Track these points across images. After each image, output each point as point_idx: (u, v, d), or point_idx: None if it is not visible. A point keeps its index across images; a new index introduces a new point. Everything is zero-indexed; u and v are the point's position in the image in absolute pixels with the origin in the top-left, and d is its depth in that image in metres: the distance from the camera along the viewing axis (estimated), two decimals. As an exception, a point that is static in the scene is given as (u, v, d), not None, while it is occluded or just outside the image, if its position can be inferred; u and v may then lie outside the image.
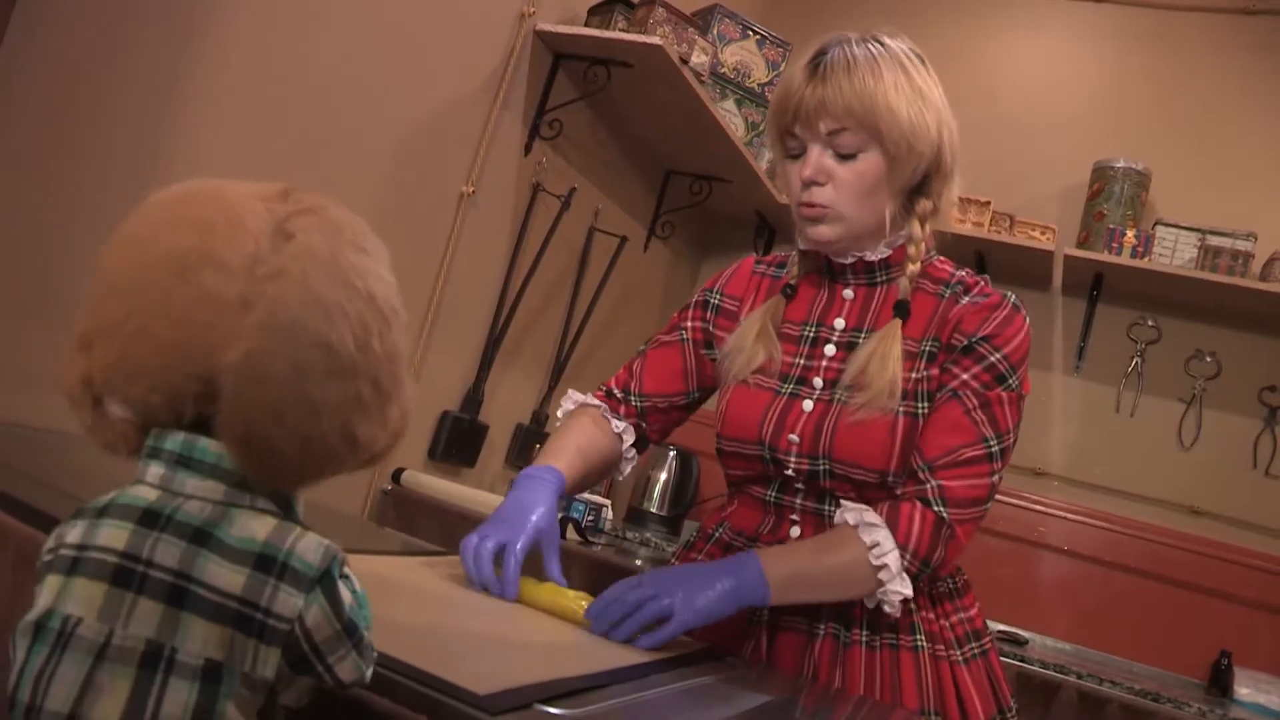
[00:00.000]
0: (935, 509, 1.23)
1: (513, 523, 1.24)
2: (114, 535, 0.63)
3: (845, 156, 1.27)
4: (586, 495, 2.76)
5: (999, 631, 2.80)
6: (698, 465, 3.25)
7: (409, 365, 2.27)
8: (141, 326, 0.62)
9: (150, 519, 0.63)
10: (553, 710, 0.78)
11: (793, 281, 1.41)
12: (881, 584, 1.21)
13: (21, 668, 0.61)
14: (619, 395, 1.47)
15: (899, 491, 1.27)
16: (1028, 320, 1.31)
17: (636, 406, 1.46)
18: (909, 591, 1.22)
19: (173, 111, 1.74)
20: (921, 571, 1.23)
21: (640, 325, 3.48)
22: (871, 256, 1.34)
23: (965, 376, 1.27)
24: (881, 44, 1.30)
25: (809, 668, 1.30)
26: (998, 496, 3.36)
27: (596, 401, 1.47)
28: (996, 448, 1.26)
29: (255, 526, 0.64)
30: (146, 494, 0.65)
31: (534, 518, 1.25)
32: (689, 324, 1.48)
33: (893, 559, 1.20)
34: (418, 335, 2.44)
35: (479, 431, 2.70)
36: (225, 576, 0.62)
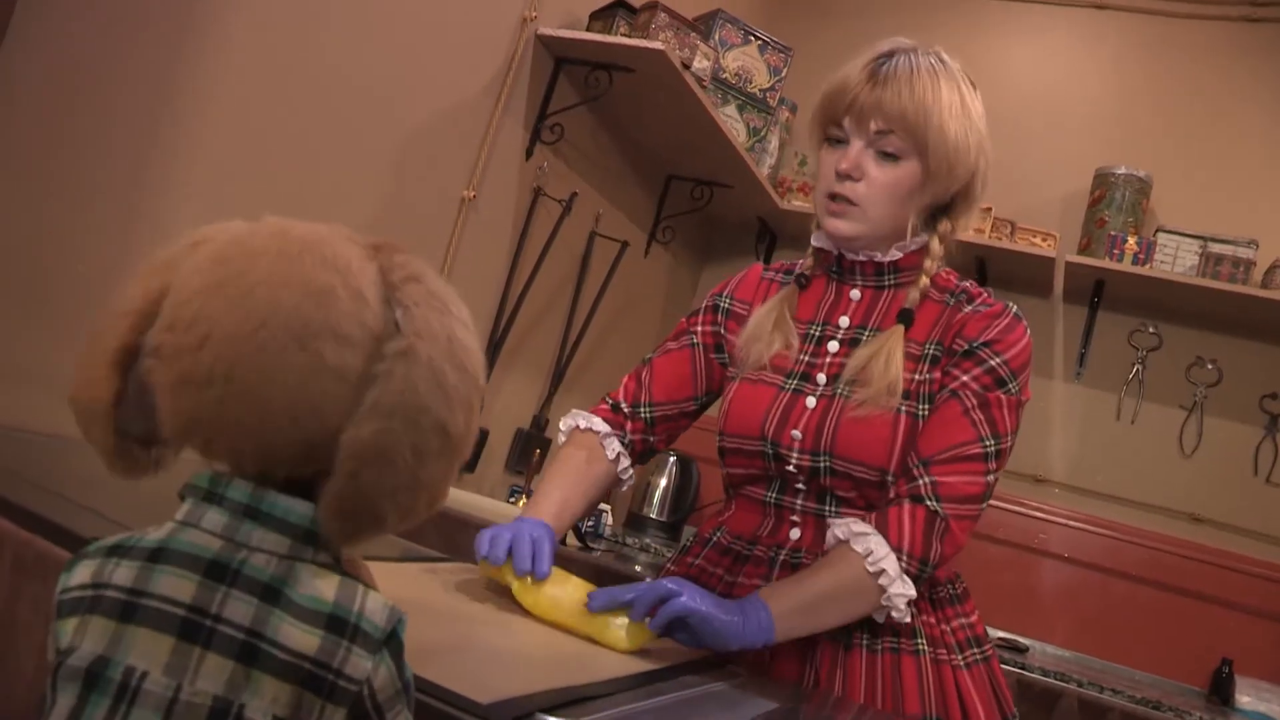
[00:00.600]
0: (928, 504, 1.23)
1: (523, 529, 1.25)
2: (178, 586, 0.62)
3: (886, 157, 1.29)
4: (586, 500, 2.75)
5: (999, 639, 2.79)
6: (698, 471, 3.25)
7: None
8: (248, 389, 0.61)
9: (217, 572, 0.63)
10: (554, 719, 0.77)
11: (806, 273, 1.43)
12: (884, 590, 1.20)
13: (75, 715, 0.60)
14: (626, 410, 1.46)
15: (891, 494, 1.27)
16: (1029, 332, 1.32)
17: (646, 419, 1.46)
18: (913, 592, 1.21)
19: (173, 115, 1.73)
20: (922, 570, 1.22)
21: (641, 330, 3.48)
22: (882, 258, 1.36)
23: (965, 378, 1.28)
24: (943, 60, 1.32)
25: (810, 674, 1.29)
26: (998, 503, 3.36)
27: (597, 424, 1.44)
28: (993, 448, 1.26)
29: (321, 585, 0.64)
30: (209, 542, 0.64)
31: (535, 531, 1.25)
32: (699, 328, 1.48)
33: (889, 563, 1.20)
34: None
35: (479, 437, 2.69)
36: (298, 637, 0.62)
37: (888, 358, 1.28)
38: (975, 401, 1.27)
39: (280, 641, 0.61)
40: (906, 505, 1.23)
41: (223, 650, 0.61)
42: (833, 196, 1.31)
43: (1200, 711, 2.29)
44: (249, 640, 0.61)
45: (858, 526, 1.23)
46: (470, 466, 2.69)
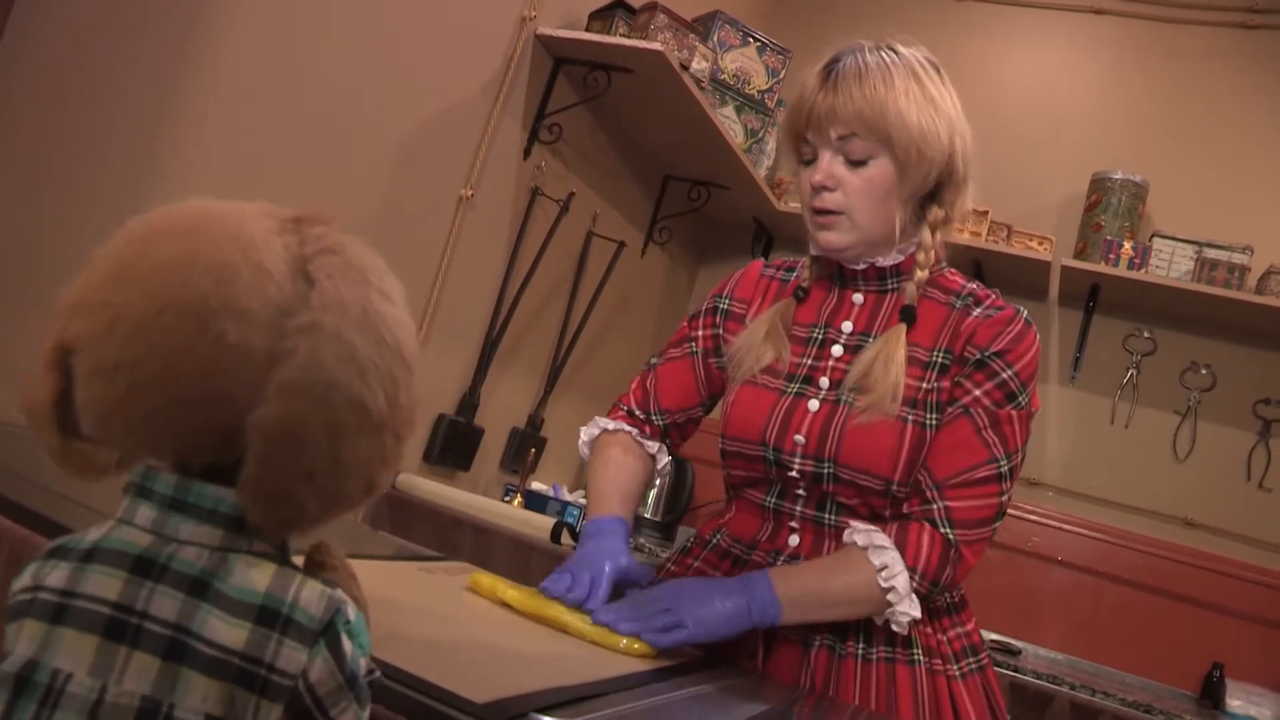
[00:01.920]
0: (942, 530, 1.23)
1: (595, 563, 1.25)
2: (105, 584, 0.60)
3: (856, 163, 1.28)
4: (580, 499, 2.76)
5: (992, 641, 2.80)
6: (693, 472, 3.25)
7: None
8: (154, 376, 0.58)
9: (143, 567, 0.60)
10: (549, 719, 0.78)
11: (804, 284, 1.42)
12: (890, 605, 1.22)
13: None
14: (641, 416, 1.47)
15: (906, 510, 1.27)
16: (1038, 336, 1.31)
17: (660, 425, 1.46)
18: (917, 613, 1.22)
19: (171, 114, 1.73)
20: (931, 592, 1.24)
21: (637, 330, 3.48)
22: (883, 262, 1.35)
23: (977, 393, 1.27)
24: (895, 52, 1.30)
25: (805, 679, 1.29)
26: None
27: (624, 426, 1.46)
28: (1006, 467, 1.26)
29: (254, 575, 0.61)
30: (137, 538, 0.62)
31: (619, 560, 1.26)
32: (699, 333, 1.48)
33: (901, 581, 1.20)
34: (414, 338, 2.44)
35: (475, 435, 2.69)
36: (226, 631, 0.59)
37: (887, 360, 1.27)
38: (987, 420, 1.26)
39: (207, 637, 0.59)
40: (927, 529, 1.24)
41: (149, 648, 0.59)
42: (816, 211, 1.31)
43: (1191, 715, 2.30)
44: (176, 637, 0.59)
45: (879, 539, 1.23)
46: (465, 465, 2.69)
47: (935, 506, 1.24)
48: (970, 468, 1.25)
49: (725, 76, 3.08)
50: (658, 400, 1.46)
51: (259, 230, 0.63)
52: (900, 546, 1.22)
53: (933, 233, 1.33)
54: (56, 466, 0.65)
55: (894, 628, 1.24)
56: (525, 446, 2.87)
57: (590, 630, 1.13)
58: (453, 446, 2.62)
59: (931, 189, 1.32)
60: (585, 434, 1.48)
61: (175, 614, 0.59)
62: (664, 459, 1.46)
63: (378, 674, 0.68)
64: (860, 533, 1.24)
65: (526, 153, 2.66)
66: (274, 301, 0.60)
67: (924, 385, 1.28)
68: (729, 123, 3.08)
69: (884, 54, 1.29)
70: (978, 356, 1.28)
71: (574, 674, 0.96)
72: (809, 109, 1.29)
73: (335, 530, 1.60)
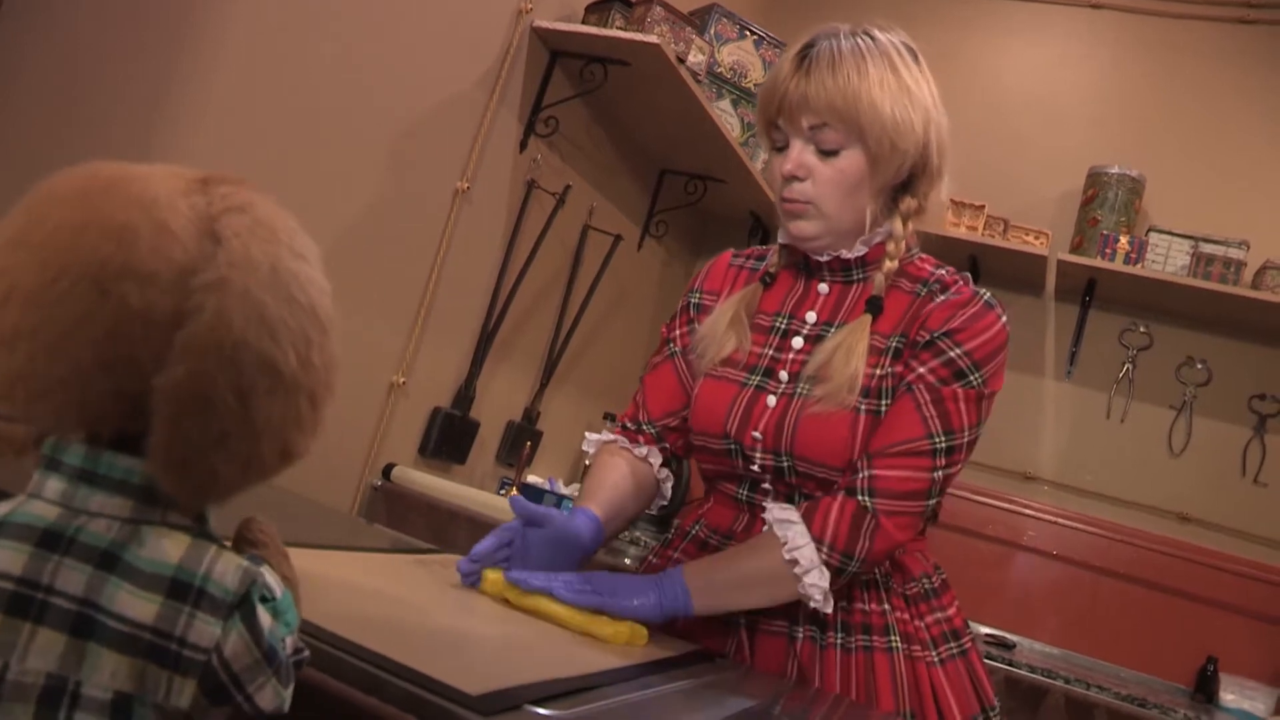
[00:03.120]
0: (859, 499, 1.21)
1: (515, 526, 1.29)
2: (10, 559, 0.58)
3: (827, 153, 1.26)
4: (576, 494, 2.75)
5: (987, 635, 2.80)
6: (687, 466, 3.25)
7: (401, 362, 2.25)
8: (53, 343, 0.56)
9: (50, 540, 0.58)
10: (544, 711, 0.77)
11: (773, 270, 1.41)
12: (799, 579, 1.19)
13: None
14: (632, 427, 1.47)
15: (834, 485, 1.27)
16: (1002, 318, 1.28)
17: (652, 433, 1.46)
18: (825, 584, 1.19)
19: (167, 107, 1.73)
20: (845, 564, 1.20)
21: (633, 324, 3.48)
22: (849, 254, 1.32)
23: (921, 370, 1.25)
24: (872, 38, 1.27)
25: (791, 670, 1.30)
26: (987, 500, 3.36)
27: (621, 440, 1.47)
28: (943, 444, 1.22)
29: (167, 546, 0.59)
30: (45, 511, 0.60)
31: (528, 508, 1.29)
32: (676, 332, 1.48)
33: (805, 554, 1.19)
34: (410, 331, 2.44)
35: (470, 428, 2.69)
36: (136, 605, 0.57)
37: (848, 351, 1.25)
38: (928, 396, 1.23)
39: (117, 611, 0.57)
40: (840, 498, 1.22)
41: (55, 624, 0.57)
42: (785, 200, 1.29)
43: (1185, 709, 2.31)
44: (83, 611, 0.57)
45: (783, 514, 1.22)
46: (461, 458, 2.69)
47: (861, 475, 1.22)
48: (903, 441, 1.22)
49: (722, 70, 3.08)
50: (647, 411, 1.46)
51: (163, 190, 0.61)
52: (807, 519, 1.21)
53: (904, 223, 1.31)
54: None
55: (811, 604, 1.21)
56: (521, 440, 2.87)
57: (580, 622, 1.13)
58: (448, 439, 2.62)
59: (904, 179, 1.30)
60: (589, 445, 1.50)
61: (83, 588, 0.57)
62: (656, 460, 1.45)
63: (306, 654, 0.66)
64: (770, 510, 1.24)
65: (522, 145, 2.65)
66: (178, 262, 0.58)
67: (878, 372, 1.26)
68: (725, 116, 3.08)
69: (860, 40, 1.26)
70: (927, 338, 1.26)
71: (567, 666, 0.96)
72: (781, 95, 1.26)
73: (330, 523, 1.60)
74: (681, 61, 2.59)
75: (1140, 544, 3.06)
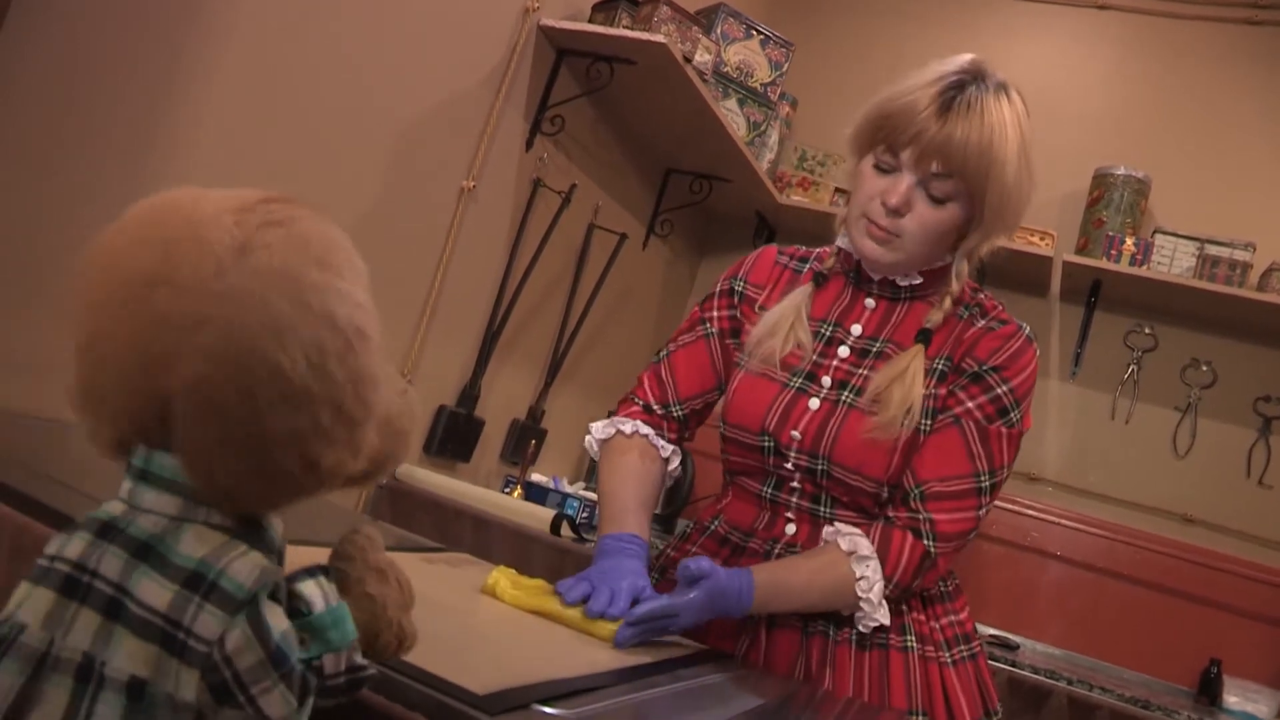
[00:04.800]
0: (925, 542, 1.26)
1: (614, 579, 1.20)
2: (75, 546, 0.62)
3: (936, 200, 1.26)
4: (580, 491, 2.76)
5: (990, 636, 2.80)
6: (693, 464, 3.25)
7: (406, 361, 2.24)
8: (104, 350, 0.61)
9: (107, 531, 0.62)
10: (551, 710, 0.78)
11: (826, 272, 1.41)
12: (862, 611, 1.26)
13: None
14: (659, 411, 1.44)
15: (890, 514, 1.29)
16: (1037, 355, 1.32)
17: (679, 416, 1.45)
18: (886, 620, 1.27)
19: (172, 104, 1.73)
20: (900, 596, 1.29)
21: (638, 323, 3.48)
22: (903, 281, 1.35)
23: (970, 405, 1.29)
24: (1007, 94, 1.26)
25: (801, 667, 1.31)
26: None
27: (644, 428, 1.42)
28: (987, 483, 1.28)
29: (198, 544, 0.61)
30: (113, 508, 0.64)
31: (637, 582, 1.20)
32: (714, 314, 1.46)
33: (876, 591, 1.25)
34: (415, 329, 2.44)
35: (475, 426, 2.69)
36: (156, 592, 0.60)
37: (910, 381, 1.27)
38: (976, 433, 1.28)
39: (138, 596, 0.60)
40: (909, 538, 1.26)
41: (94, 605, 0.60)
42: (874, 224, 1.28)
43: (1188, 711, 2.30)
44: (115, 595, 0.60)
45: (863, 548, 1.26)
46: (466, 456, 2.69)
47: (921, 517, 1.27)
48: (954, 478, 1.27)
49: (728, 69, 3.07)
50: (676, 390, 1.44)
51: (212, 209, 0.64)
52: (882, 557, 1.25)
53: (968, 261, 1.34)
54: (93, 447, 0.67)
55: (859, 626, 1.29)
56: (526, 438, 2.87)
57: (583, 622, 1.13)
58: (453, 438, 2.62)
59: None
60: (599, 431, 1.45)
61: (118, 574, 0.61)
62: (675, 461, 1.45)
63: (370, 671, 0.65)
64: (845, 537, 1.27)
65: (529, 144, 2.65)
66: (207, 271, 0.60)
67: (923, 392, 1.29)
68: (731, 115, 3.07)
69: (1004, 97, 1.25)
70: (975, 369, 1.29)
71: (574, 666, 0.96)
72: (917, 131, 1.23)
73: (335, 521, 1.60)
74: (688, 61, 2.59)
75: (1144, 545, 3.06)
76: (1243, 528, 3.03)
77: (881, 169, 1.28)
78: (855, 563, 1.25)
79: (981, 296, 1.36)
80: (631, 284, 3.36)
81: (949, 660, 1.33)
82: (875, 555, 1.25)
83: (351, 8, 2.04)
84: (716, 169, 3.23)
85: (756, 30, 3.12)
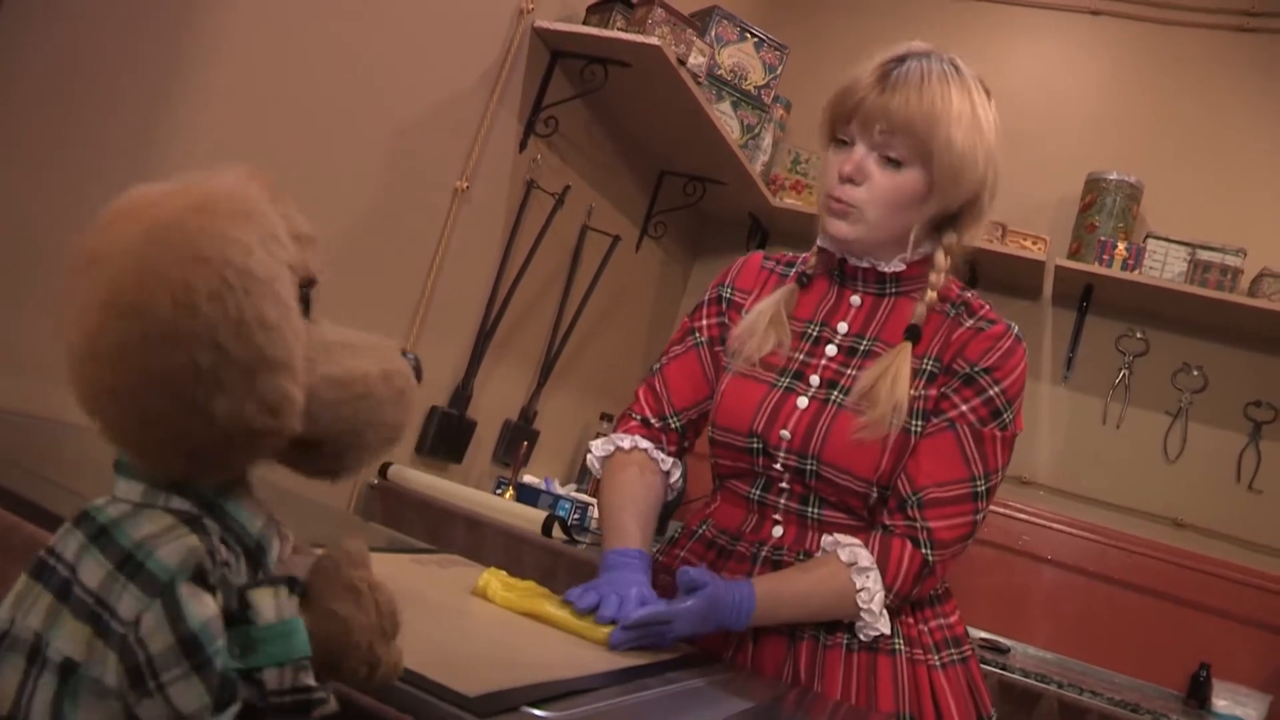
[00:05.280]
0: (923, 550, 1.27)
1: (623, 588, 1.19)
2: (58, 534, 0.63)
3: (890, 162, 1.27)
4: (572, 493, 2.76)
5: (981, 639, 2.81)
6: (684, 466, 3.25)
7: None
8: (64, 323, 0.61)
9: (80, 519, 0.63)
10: (541, 713, 0.78)
11: (809, 272, 1.42)
12: (864, 621, 1.27)
13: None
14: (657, 424, 1.44)
15: (887, 521, 1.29)
16: (1026, 354, 1.33)
17: (677, 428, 1.45)
18: (887, 630, 1.27)
19: (169, 103, 1.73)
20: (898, 604, 1.29)
21: (631, 325, 3.48)
22: (885, 268, 1.35)
23: (964, 408, 1.29)
24: (957, 68, 1.30)
25: (789, 671, 1.31)
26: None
27: (641, 443, 1.42)
28: (983, 487, 1.29)
29: (146, 526, 0.61)
30: (99, 499, 0.64)
31: (645, 593, 1.19)
32: (703, 323, 1.47)
33: (877, 601, 1.25)
34: (408, 330, 2.44)
35: (467, 427, 2.69)
36: (93, 573, 0.60)
37: (895, 377, 1.27)
38: (970, 437, 1.28)
39: (81, 578, 0.60)
40: (908, 547, 1.27)
41: (51, 587, 0.61)
42: (834, 199, 1.30)
43: (1177, 714, 2.32)
44: (68, 577, 0.60)
45: (863, 559, 1.26)
46: (458, 457, 2.69)
47: (918, 525, 1.27)
48: (950, 483, 1.27)
49: (722, 72, 3.08)
50: (671, 401, 1.44)
51: (163, 186, 0.65)
52: (881, 567, 1.26)
53: (946, 256, 1.34)
54: None
55: (860, 635, 1.29)
56: (518, 439, 2.87)
57: (574, 625, 1.13)
58: (445, 438, 2.62)
59: (953, 213, 1.33)
60: (599, 449, 1.44)
61: (72, 555, 0.61)
62: (676, 474, 1.45)
63: (320, 697, 0.62)
64: (844, 548, 1.27)
65: (522, 145, 2.65)
66: (119, 246, 0.61)
67: (912, 393, 1.29)
68: (725, 118, 3.08)
69: (947, 67, 1.29)
70: (966, 371, 1.29)
71: (565, 668, 0.96)
72: (859, 100, 1.28)
73: (326, 521, 1.60)
74: (682, 63, 2.59)
75: (1135, 549, 3.07)
76: (1233, 532, 3.04)
77: (837, 143, 1.33)
78: (856, 574, 1.25)
79: (969, 295, 1.36)
80: (625, 286, 3.36)
81: (938, 663, 1.33)
82: (875, 566, 1.25)
83: (346, 9, 2.04)
84: (710, 171, 3.24)
85: (751, 33, 3.13)
